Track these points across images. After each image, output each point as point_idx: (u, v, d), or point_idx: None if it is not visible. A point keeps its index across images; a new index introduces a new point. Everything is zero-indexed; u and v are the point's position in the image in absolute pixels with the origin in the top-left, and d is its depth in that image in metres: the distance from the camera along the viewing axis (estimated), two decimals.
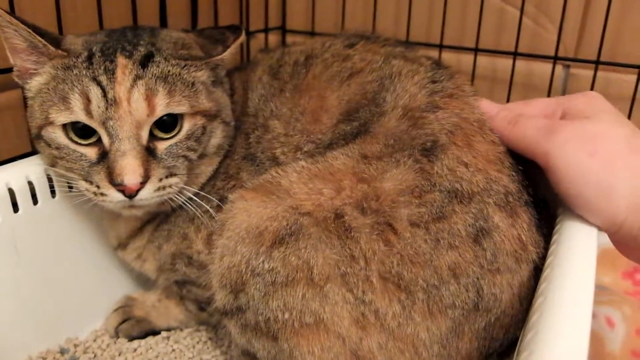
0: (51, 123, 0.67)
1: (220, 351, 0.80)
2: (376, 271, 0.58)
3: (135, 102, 0.65)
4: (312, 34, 1.24)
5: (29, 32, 0.66)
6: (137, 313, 0.85)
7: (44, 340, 0.80)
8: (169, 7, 1.03)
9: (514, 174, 0.64)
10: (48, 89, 0.68)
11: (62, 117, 0.66)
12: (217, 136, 0.73)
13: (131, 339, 0.83)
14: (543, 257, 0.63)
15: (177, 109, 0.67)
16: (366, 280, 0.57)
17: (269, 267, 0.59)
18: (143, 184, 0.65)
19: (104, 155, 0.66)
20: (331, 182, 0.61)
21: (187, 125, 0.69)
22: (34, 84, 0.70)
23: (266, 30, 1.27)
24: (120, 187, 0.65)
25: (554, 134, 0.61)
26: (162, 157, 0.68)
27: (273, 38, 1.29)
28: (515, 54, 1.04)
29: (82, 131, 0.67)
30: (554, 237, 0.63)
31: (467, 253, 0.59)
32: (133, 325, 0.84)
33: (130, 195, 0.65)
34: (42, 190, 0.77)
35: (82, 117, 0.65)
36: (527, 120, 0.65)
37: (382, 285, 0.58)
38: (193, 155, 0.70)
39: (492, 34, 1.08)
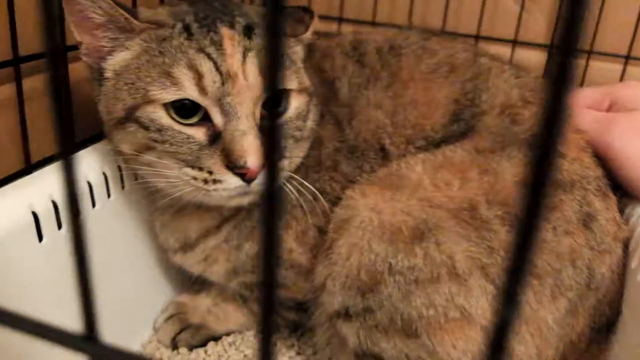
0: (151, 102, 0.58)
1: (294, 351, 0.77)
2: None
3: (251, 76, 0.59)
4: None
5: (111, 4, 0.58)
6: (193, 320, 0.79)
7: None
8: None
9: (596, 159, 0.69)
10: (140, 65, 0.59)
11: (168, 95, 0.58)
12: (312, 118, 0.68)
13: (191, 348, 0.77)
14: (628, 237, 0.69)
15: (289, 84, 0.63)
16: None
17: (411, 264, 0.58)
18: (263, 166, 0.59)
19: (215, 137, 0.59)
20: (456, 173, 0.62)
21: (294, 103, 0.64)
22: (118, 60, 0.61)
23: None
24: (241, 171, 0.58)
25: (612, 127, 0.68)
26: None
27: None
28: (514, 42, 1.09)
29: (184, 111, 0.59)
30: (633, 217, 0.69)
31: (579, 238, 0.62)
32: (193, 334, 0.78)
33: (250, 179, 0.58)
34: (99, 192, 0.69)
35: (193, 94, 0.58)
36: (584, 114, 0.71)
37: None
38: (299, 136, 0.65)
39: (486, 22, 1.12)
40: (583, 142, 0.69)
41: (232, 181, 0.59)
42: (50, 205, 0.62)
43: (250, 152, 0.57)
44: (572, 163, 0.66)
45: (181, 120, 0.59)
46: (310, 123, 0.68)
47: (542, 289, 0.60)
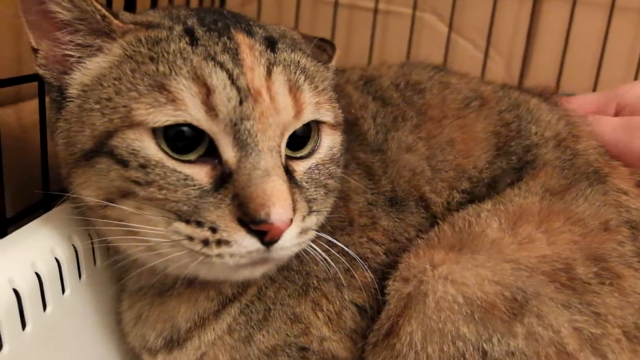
0: (134, 125, 0.42)
1: None
2: (619, 327, 0.48)
3: (280, 96, 0.44)
4: None
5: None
6: None
7: None
8: None
9: None
10: (121, 75, 0.43)
11: (160, 116, 0.42)
12: (340, 164, 0.53)
13: None
14: None
15: (324, 115, 0.47)
16: (617, 342, 0.47)
17: (510, 348, 0.45)
18: (290, 221, 0.43)
19: (224, 180, 0.43)
20: (539, 226, 0.50)
21: (327, 141, 0.49)
22: (89, 70, 0.45)
23: None
24: (261, 227, 0.41)
25: (636, 131, 0.60)
26: (303, 185, 0.46)
27: None
28: None
29: (181, 141, 0.43)
30: None
31: None
32: None
33: (273, 240, 0.42)
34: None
35: (198, 117, 0.42)
36: (602, 120, 0.64)
37: (627, 342, 0.48)
38: (332, 185, 0.50)
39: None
40: (636, 175, 0.60)
41: (246, 243, 0.42)
42: None
43: (276, 199, 0.41)
44: (638, 199, 0.57)
45: (175, 155, 0.43)
46: (339, 170, 0.53)
47: None
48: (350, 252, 0.51)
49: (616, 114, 0.68)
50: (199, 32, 0.45)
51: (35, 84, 0.54)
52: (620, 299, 0.49)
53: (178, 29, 0.45)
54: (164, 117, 0.41)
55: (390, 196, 0.56)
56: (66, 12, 0.43)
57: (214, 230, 0.42)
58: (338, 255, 0.51)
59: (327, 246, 0.50)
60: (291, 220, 0.43)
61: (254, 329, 0.53)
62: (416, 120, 0.60)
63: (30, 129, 0.59)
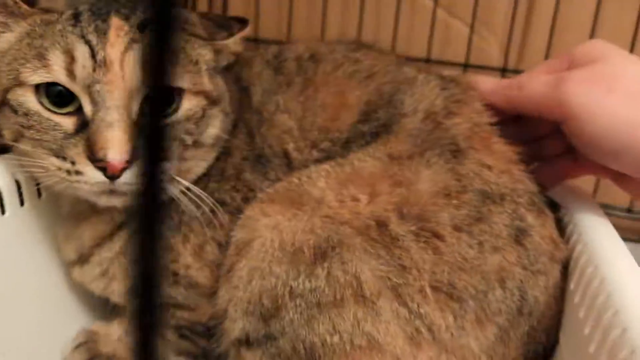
0: (21, 84, 0.56)
1: None
2: (428, 281, 0.53)
3: (129, 66, 0.55)
4: (255, 40, 1.16)
5: None
6: (103, 349, 0.72)
7: None
8: None
9: (529, 174, 0.64)
10: (20, 47, 0.57)
11: (36, 77, 0.55)
12: (215, 126, 0.64)
13: None
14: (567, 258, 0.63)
15: (177, 82, 0.58)
16: (420, 292, 0.53)
17: (312, 286, 0.52)
18: (129, 163, 0.55)
19: (83, 126, 0.56)
20: (365, 187, 0.57)
21: (186, 104, 0.60)
22: (1, 42, 0.59)
23: None
24: (101, 164, 0.54)
25: (564, 83, 0.59)
26: None
27: None
28: (465, 66, 1.04)
29: (58, 98, 0.56)
30: (574, 236, 0.63)
31: (510, 255, 0.57)
32: None
33: (113, 175, 0.54)
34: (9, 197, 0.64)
35: (61, 78, 0.55)
36: (534, 79, 0.63)
37: (435, 295, 0.53)
38: (189, 140, 0.61)
39: (439, 46, 1.07)
40: (513, 154, 0.63)
41: (94, 174, 0.55)
42: None
43: (113, 144, 0.53)
44: (500, 175, 0.60)
45: (52, 108, 0.56)
46: (213, 130, 0.64)
47: (463, 313, 0.54)
48: (209, 199, 0.62)
49: None
50: (84, 16, 0.57)
51: None
52: (434, 257, 0.54)
53: (68, 13, 0.58)
54: (39, 77, 0.55)
55: (259, 153, 0.66)
56: None
57: (72, 163, 0.55)
58: (205, 199, 0.62)
59: (195, 195, 0.61)
60: (128, 163, 0.54)
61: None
62: (300, 86, 0.68)
63: None
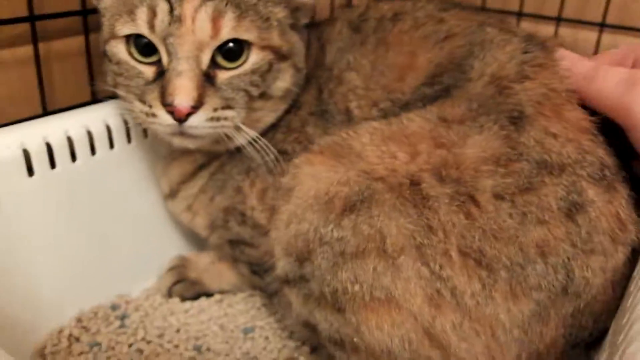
0: (115, 36, 0.65)
1: (274, 319, 0.77)
2: (455, 245, 0.52)
3: (200, 21, 0.61)
4: None
5: None
6: (190, 275, 0.83)
7: (95, 295, 0.78)
8: None
9: (608, 147, 0.58)
10: (118, 4, 0.66)
11: (125, 29, 0.63)
12: (285, 79, 0.69)
13: (184, 299, 0.81)
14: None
15: (244, 35, 0.63)
16: (444, 254, 0.52)
17: (339, 235, 0.54)
18: (195, 109, 0.61)
19: (161, 75, 0.63)
20: (406, 146, 0.56)
21: (253, 57, 0.65)
22: (104, 0, 0.68)
23: None
24: (170, 108, 0.61)
25: (636, 88, 0.54)
26: (221, 87, 0.64)
27: None
28: (602, 25, 0.94)
29: (144, 48, 0.64)
30: None
31: (557, 229, 0.53)
32: (187, 287, 0.81)
33: (180, 119, 0.62)
34: (100, 141, 0.75)
35: (144, 30, 0.63)
36: (606, 73, 0.58)
37: (461, 260, 0.52)
38: (255, 92, 0.66)
39: (575, 3, 0.98)
40: (587, 123, 0.57)
41: (165, 117, 0.62)
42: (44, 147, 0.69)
43: (179, 91, 0.60)
44: (565, 145, 0.56)
45: (139, 58, 0.65)
46: (282, 84, 0.68)
47: (493, 283, 0.52)
48: (272, 149, 0.67)
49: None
50: None
51: None
52: (466, 222, 0.53)
53: None
54: (127, 29, 0.64)
55: (325, 108, 0.68)
56: None
57: (150, 107, 0.64)
58: (270, 149, 0.68)
59: (263, 144, 0.68)
60: (193, 108, 0.61)
61: (215, 192, 0.75)
62: (373, 45, 0.69)
63: None
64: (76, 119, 0.73)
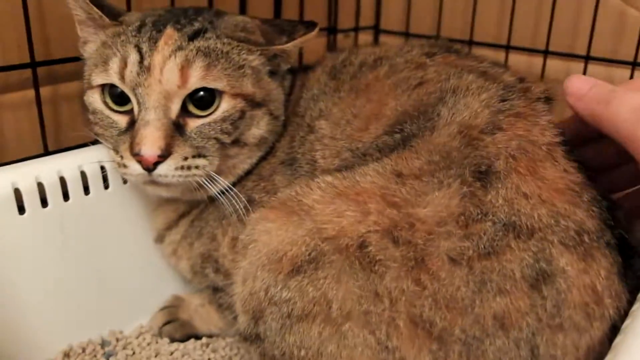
0: (91, 86, 0.67)
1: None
2: (405, 313, 0.49)
3: (167, 71, 0.62)
4: (407, 34, 1.14)
5: (87, 4, 0.67)
6: (182, 315, 0.83)
7: (87, 330, 0.80)
8: (250, 2, 0.98)
9: (594, 208, 0.52)
10: (96, 55, 0.68)
11: (99, 78, 0.66)
12: (260, 127, 0.69)
13: (173, 340, 0.81)
14: (624, 315, 0.50)
15: (213, 84, 0.64)
16: (391, 323, 0.49)
17: (286, 296, 0.52)
18: (163, 157, 0.62)
19: (132, 124, 0.64)
20: (356, 204, 0.53)
21: (224, 105, 0.65)
22: (87, 50, 0.71)
23: (356, 29, 1.20)
24: (138, 158, 0.62)
25: None
26: (191, 136, 0.64)
27: (365, 38, 1.21)
28: (634, 64, 0.87)
29: (118, 98, 0.66)
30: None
31: (520, 301, 0.48)
32: (176, 328, 0.82)
33: (148, 168, 0.63)
34: (94, 181, 0.76)
35: (115, 80, 0.64)
36: (623, 98, 0.52)
37: (410, 330, 0.49)
38: (226, 139, 0.66)
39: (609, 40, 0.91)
40: (563, 184, 0.52)
41: (134, 167, 0.64)
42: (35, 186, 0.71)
43: (146, 141, 0.61)
44: (537, 206, 0.51)
45: (113, 107, 0.66)
46: (257, 131, 0.68)
47: (444, 356, 0.49)
48: (242, 199, 0.67)
49: None
50: (146, 27, 0.66)
51: None
52: (415, 289, 0.49)
53: (135, 25, 0.66)
54: (100, 79, 0.66)
55: (294, 157, 0.66)
56: (82, 14, 0.69)
57: (121, 157, 0.65)
58: (240, 198, 0.68)
59: (234, 192, 0.68)
60: (160, 157, 0.62)
61: (194, 238, 0.75)
62: (346, 93, 0.67)
63: None
64: (71, 159, 0.75)
